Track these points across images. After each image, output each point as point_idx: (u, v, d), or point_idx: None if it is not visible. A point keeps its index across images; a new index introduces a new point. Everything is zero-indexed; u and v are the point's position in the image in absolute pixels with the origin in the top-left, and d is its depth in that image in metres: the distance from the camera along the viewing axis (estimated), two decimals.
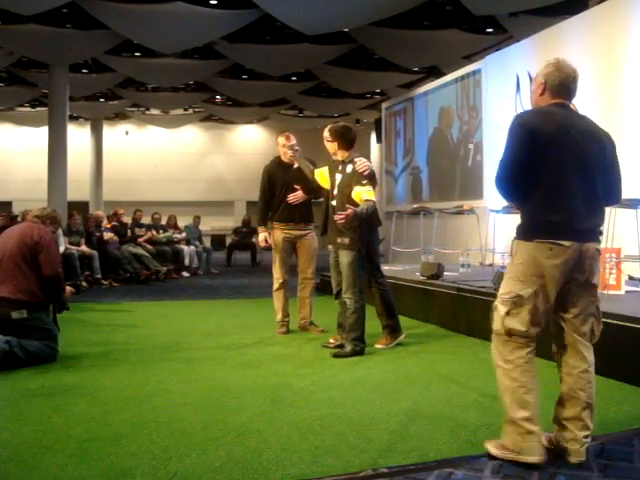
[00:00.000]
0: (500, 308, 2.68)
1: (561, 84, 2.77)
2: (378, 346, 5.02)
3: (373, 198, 4.68)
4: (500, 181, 2.65)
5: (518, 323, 2.62)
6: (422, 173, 12.04)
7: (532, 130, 2.61)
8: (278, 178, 5.66)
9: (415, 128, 12.37)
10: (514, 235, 2.72)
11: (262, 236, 5.78)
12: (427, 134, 11.90)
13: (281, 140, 5.69)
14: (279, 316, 5.75)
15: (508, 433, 2.63)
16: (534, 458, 2.55)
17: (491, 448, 2.69)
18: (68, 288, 4.80)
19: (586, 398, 2.70)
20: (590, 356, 2.74)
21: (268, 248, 5.94)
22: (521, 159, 2.61)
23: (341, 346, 4.89)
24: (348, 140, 4.86)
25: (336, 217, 4.52)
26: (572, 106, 2.88)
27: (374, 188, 4.75)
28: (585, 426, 2.67)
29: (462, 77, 10.67)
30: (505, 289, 2.68)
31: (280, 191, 5.65)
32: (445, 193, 11.03)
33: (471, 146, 10.25)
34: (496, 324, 2.69)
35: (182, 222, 13.61)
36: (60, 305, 4.74)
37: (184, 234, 12.71)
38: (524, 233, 2.66)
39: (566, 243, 2.57)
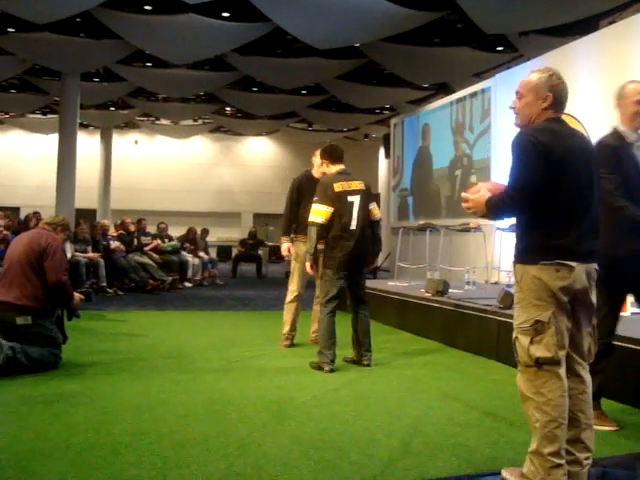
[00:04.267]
0: (522, 339, 2.56)
1: (566, 98, 2.67)
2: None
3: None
4: (515, 203, 2.53)
5: (544, 350, 2.51)
6: (427, 190, 12.07)
7: (545, 150, 2.52)
8: (306, 191, 5.65)
9: (431, 143, 12.39)
10: (514, 259, 2.64)
11: (285, 246, 5.81)
12: (435, 150, 11.94)
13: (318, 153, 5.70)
14: (286, 329, 5.72)
15: (532, 464, 2.52)
16: None
17: (509, 477, 2.61)
18: (77, 295, 4.79)
19: (585, 419, 2.64)
20: (587, 377, 2.68)
21: (288, 259, 5.98)
22: (536, 180, 2.50)
23: (356, 362, 4.92)
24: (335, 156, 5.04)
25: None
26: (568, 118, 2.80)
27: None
28: (586, 448, 2.63)
29: (472, 94, 10.70)
30: (522, 318, 2.57)
31: (307, 204, 5.64)
32: (451, 210, 11.03)
33: (474, 164, 10.27)
34: (522, 356, 2.56)
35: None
36: (70, 312, 4.74)
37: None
38: (528, 256, 2.57)
39: (572, 264, 2.52)
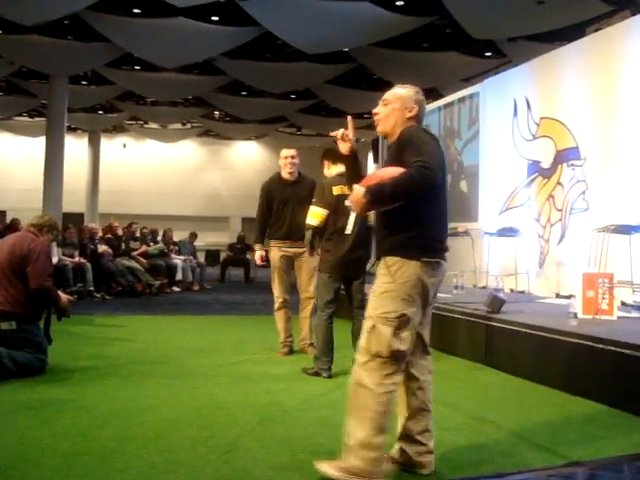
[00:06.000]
0: (383, 329, 2.54)
1: (423, 117, 2.84)
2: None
3: None
4: (435, 177, 2.47)
5: (403, 344, 2.56)
6: None
7: (440, 150, 2.65)
8: (276, 195, 5.61)
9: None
10: (388, 250, 2.64)
11: (258, 254, 5.70)
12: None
13: (284, 152, 5.66)
14: (281, 337, 5.62)
15: (355, 456, 2.50)
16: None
17: (328, 469, 2.55)
18: (65, 297, 4.73)
19: (431, 408, 2.78)
20: (431, 367, 2.81)
21: (264, 266, 5.90)
22: (442, 164, 2.60)
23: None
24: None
25: None
26: None
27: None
28: (432, 435, 2.76)
29: (460, 99, 10.75)
30: (388, 308, 2.56)
31: (278, 208, 5.58)
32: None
33: (462, 168, 10.32)
34: (378, 346, 2.53)
35: (177, 237, 13.58)
36: (59, 312, 4.68)
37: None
38: (410, 251, 2.58)
39: (443, 261, 2.67)
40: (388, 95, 2.85)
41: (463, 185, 10.75)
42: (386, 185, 2.48)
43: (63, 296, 4.72)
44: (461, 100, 10.84)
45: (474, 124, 10.34)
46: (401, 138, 2.67)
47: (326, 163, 5.03)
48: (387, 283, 2.60)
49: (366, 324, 2.62)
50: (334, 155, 4.98)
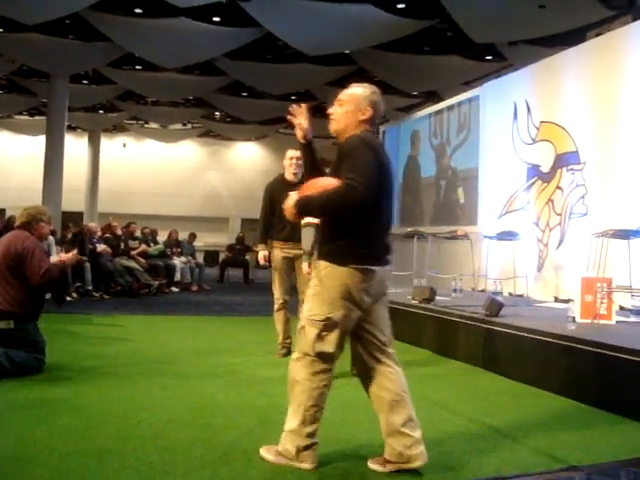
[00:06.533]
0: (309, 330, 2.70)
1: (380, 117, 2.84)
2: None
3: None
4: (362, 197, 2.55)
5: (328, 346, 2.69)
6: (418, 198, 12.12)
7: (378, 157, 2.66)
8: (279, 196, 5.58)
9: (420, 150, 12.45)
10: (319, 255, 2.75)
11: (261, 254, 5.71)
12: (426, 159, 12.00)
13: (290, 153, 5.64)
14: (279, 338, 5.59)
15: (288, 441, 2.74)
16: (309, 465, 2.72)
17: (265, 454, 2.81)
18: (65, 257, 4.62)
19: (408, 397, 2.81)
20: (397, 358, 2.89)
21: (266, 267, 5.88)
22: (375, 180, 2.62)
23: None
24: None
25: None
26: None
27: None
28: (417, 424, 2.78)
29: (460, 103, 10.76)
30: (315, 310, 2.70)
31: (281, 209, 5.58)
32: (439, 218, 11.08)
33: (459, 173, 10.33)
34: (306, 347, 2.71)
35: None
36: (60, 296, 4.63)
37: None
38: (339, 257, 2.67)
39: (375, 268, 2.71)
40: (343, 95, 2.85)
41: (460, 191, 10.80)
42: (314, 200, 2.61)
43: (62, 258, 4.60)
44: (450, 108, 10.90)
45: (462, 131, 10.38)
46: (342, 148, 2.72)
47: None
48: (317, 286, 2.73)
49: (299, 324, 2.78)
50: None
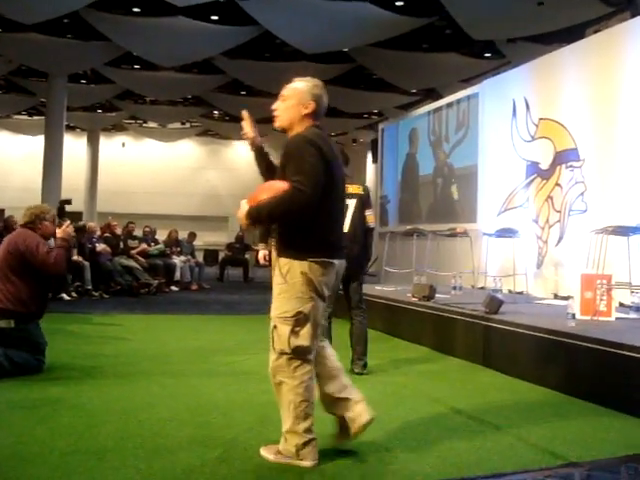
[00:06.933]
0: (282, 328, 2.76)
1: (324, 110, 2.89)
2: None
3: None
4: (309, 199, 2.65)
5: (303, 340, 2.74)
6: (417, 195, 12.13)
7: (322, 154, 2.72)
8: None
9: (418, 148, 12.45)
10: (278, 253, 2.82)
11: (261, 254, 5.69)
12: (421, 157, 12.00)
13: None
14: None
15: (287, 441, 2.77)
16: (309, 462, 2.74)
17: (266, 454, 2.83)
18: (60, 232, 4.59)
19: (340, 372, 2.98)
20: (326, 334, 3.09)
21: (266, 266, 5.87)
22: (320, 179, 2.69)
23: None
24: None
25: None
26: None
27: None
28: (353, 388, 2.95)
29: (459, 100, 10.76)
30: (284, 308, 2.76)
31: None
32: (439, 216, 11.08)
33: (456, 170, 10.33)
34: (281, 344, 2.75)
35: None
36: (60, 285, 4.64)
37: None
38: (297, 252, 2.75)
39: (334, 261, 2.80)
40: (285, 90, 2.89)
41: (449, 187, 10.81)
42: (263, 208, 2.70)
43: (58, 235, 4.58)
44: (449, 105, 10.91)
45: (461, 128, 10.39)
46: (287, 148, 2.78)
47: None
48: (281, 284, 2.80)
49: (270, 325, 2.83)
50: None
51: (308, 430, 2.76)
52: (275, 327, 2.79)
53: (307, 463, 2.74)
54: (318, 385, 2.92)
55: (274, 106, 2.91)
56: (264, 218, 2.76)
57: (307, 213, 2.69)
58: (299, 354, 2.74)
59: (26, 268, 4.40)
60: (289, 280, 2.75)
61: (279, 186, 2.71)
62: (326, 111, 2.91)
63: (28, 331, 4.45)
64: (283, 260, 2.78)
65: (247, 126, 3.05)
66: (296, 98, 2.83)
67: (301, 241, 2.76)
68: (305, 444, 2.75)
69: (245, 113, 3.05)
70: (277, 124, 2.91)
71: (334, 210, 2.85)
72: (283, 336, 2.74)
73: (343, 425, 2.93)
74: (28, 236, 4.49)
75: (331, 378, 2.93)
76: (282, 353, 2.76)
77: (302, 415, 2.75)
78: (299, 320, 2.74)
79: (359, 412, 2.87)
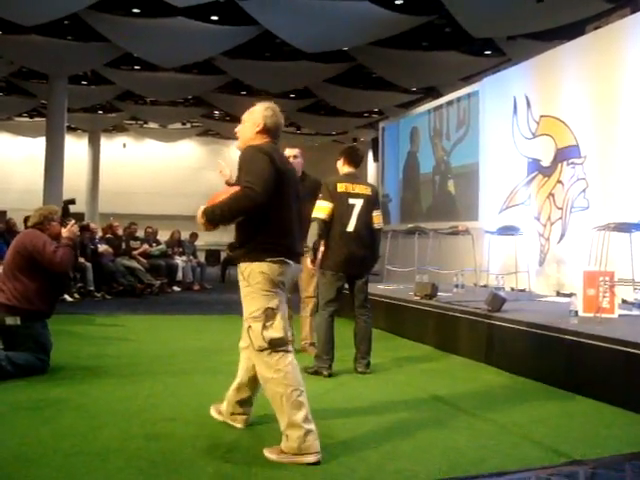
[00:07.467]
0: (255, 326, 2.94)
1: (277, 128, 3.17)
2: None
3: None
4: (259, 197, 2.86)
5: (275, 332, 2.93)
6: (418, 194, 12.12)
7: (272, 160, 2.96)
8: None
9: (420, 146, 12.44)
10: (238, 259, 3.03)
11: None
12: (421, 155, 11.99)
13: (287, 152, 5.65)
14: None
15: (288, 438, 2.83)
16: (312, 457, 2.78)
17: (269, 454, 2.86)
18: (65, 233, 4.63)
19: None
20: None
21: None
22: (269, 178, 2.91)
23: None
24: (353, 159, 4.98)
25: None
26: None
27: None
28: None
29: (459, 98, 10.76)
30: (253, 307, 2.96)
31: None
32: (440, 214, 11.08)
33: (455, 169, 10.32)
34: (258, 341, 2.93)
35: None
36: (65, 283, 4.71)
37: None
38: (255, 255, 2.97)
39: (289, 262, 3.01)
40: (244, 115, 3.24)
41: (450, 185, 10.80)
42: (217, 208, 2.92)
43: (64, 234, 4.63)
44: (449, 103, 10.91)
45: (462, 126, 10.38)
46: (240, 158, 3.03)
47: (342, 160, 4.99)
48: (246, 287, 3.01)
49: (244, 326, 3.02)
50: (351, 155, 4.98)
51: (306, 419, 2.83)
52: (249, 327, 2.97)
53: (311, 458, 2.76)
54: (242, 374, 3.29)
55: (236, 129, 3.24)
56: (218, 216, 2.93)
57: (258, 211, 2.89)
58: (275, 346, 2.91)
59: (34, 266, 4.45)
60: (251, 282, 2.96)
61: (233, 191, 2.93)
62: (280, 131, 3.21)
63: (34, 329, 4.47)
64: (243, 265, 3.00)
65: (224, 171, 3.60)
66: (250, 120, 3.16)
67: (257, 245, 2.96)
68: (306, 434, 2.79)
69: (220, 164, 3.64)
70: (238, 144, 3.20)
71: (285, 218, 3.04)
72: (256, 332, 2.92)
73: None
74: (35, 236, 4.56)
75: (242, 387, 3.30)
76: (261, 350, 2.92)
77: (296, 404, 2.84)
78: (268, 315, 2.93)
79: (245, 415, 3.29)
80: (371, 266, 5.05)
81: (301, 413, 2.83)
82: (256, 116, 3.14)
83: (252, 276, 2.96)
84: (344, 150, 5.11)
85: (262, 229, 2.96)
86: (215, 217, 2.94)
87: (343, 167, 4.98)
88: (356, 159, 5.01)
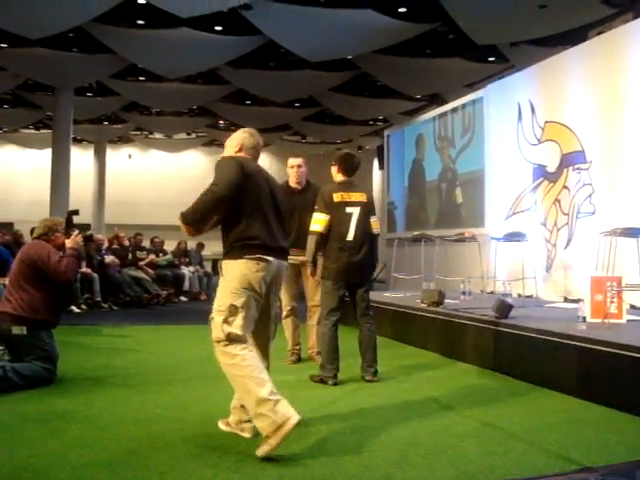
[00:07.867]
0: (217, 318, 3.11)
1: (251, 146, 3.46)
2: None
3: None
4: (220, 191, 3.12)
5: (234, 328, 3.08)
6: (424, 201, 12.11)
7: (240, 164, 3.22)
8: (284, 203, 5.58)
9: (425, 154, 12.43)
10: (224, 257, 3.21)
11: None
12: (427, 162, 11.99)
13: (291, 162, 5.65)
14: (289, 345, 5.61)
15: (261, 417, 2.93)
16: (291, 421, 2.88)
17: (262, 453, 2.91)
18: (70, 243, 4.66)
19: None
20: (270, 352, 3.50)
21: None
22: (233, 176, 3.16)
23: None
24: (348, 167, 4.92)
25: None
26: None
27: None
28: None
29: (464, 105, 10.76)
30: (221, 301, 3.14)
31: (285, 216, 5.56)
32: (446, 221, 11.06)
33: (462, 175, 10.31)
34: (216, 332, 3.10)
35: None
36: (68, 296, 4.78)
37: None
38: (234, 253, 3.17)
39: (269, 259, 3.19)
40: (226, 141, 3.54)
41: (457, 192, 10.78)
42: (189, 208, 3.16)
43: (68, 244, 4.66)
44: (454, 110, 10.91)
45: (467, 132, 10.38)
46: (215, 168, 3.29)
47: (336, 167, 4.91)
48: (221, 282, 3.20)
49: (210, 316, 3.16)
50: (345, 163, 4.93)
51: (272, 393, 2.95)
52: (212, 318, 3.14)
53: (291, 423, 2.87)
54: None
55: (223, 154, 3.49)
56: (190, 217, 3.14)
57: (227, 210, 3.15)
58: (232, 340, 3.07)
59: (39, 276, 4.48)
60: (227, 277, 3.16)
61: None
62: (259, 151, 3.53)
63: (40, 338, 4.48)
64: (223, 261, 3.21)
65: None
66: (230, 145, 3.47)
67: (237, 244, 3.17)
68: (276, 404, 2.91)
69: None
70: None
71: (257, 218, 3.22)
72: (217, 324, 3.09)
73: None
74: (40, 246, 4.61)
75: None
76: (219, 341, 3.08)
77: (259, 381, 2.98)
78: (231, 311, 3.09)
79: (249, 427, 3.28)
80: (370, 274, 5.02)
81: (266, 389, 2.95)
82: (234, 140, 3.45)
83: (229, 273, 3.16)
84: (339, 157, 4.98)
85: (236, 230, 3.18)
86: (188, 217, 3.15)
87: (337, 175, 4.91)
88: (351, 167, 4.91)
